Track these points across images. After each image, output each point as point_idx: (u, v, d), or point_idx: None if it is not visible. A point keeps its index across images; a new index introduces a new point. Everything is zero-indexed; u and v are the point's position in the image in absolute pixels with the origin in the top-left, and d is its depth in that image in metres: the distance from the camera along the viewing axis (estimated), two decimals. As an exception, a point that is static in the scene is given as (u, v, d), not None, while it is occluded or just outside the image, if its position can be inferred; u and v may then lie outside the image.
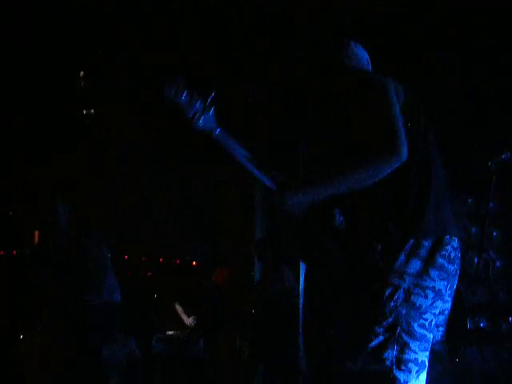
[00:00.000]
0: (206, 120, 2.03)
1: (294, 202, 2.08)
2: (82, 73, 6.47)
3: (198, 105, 2.01)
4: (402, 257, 2.01)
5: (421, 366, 2.02)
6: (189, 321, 6.02)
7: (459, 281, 2.18)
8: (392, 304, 1.98)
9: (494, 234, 5.62)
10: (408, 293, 1.99)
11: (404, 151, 1.97)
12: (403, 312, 1.99)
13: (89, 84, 6.25)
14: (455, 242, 2.11)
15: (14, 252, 6.52)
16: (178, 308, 6.10)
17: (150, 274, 7.54)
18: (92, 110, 6.68)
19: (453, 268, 2.10)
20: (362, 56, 2.32)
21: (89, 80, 6.20)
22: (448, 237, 2.08)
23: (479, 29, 4.68)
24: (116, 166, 7.01)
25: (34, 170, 6.83)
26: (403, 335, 1.99)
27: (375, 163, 1.99)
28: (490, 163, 3.71)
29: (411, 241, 2.02)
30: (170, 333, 5.98)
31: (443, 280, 2.06)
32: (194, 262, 7.40)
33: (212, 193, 7.28)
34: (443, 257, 2.05)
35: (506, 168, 3.72)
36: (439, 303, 2.07)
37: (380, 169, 1.99)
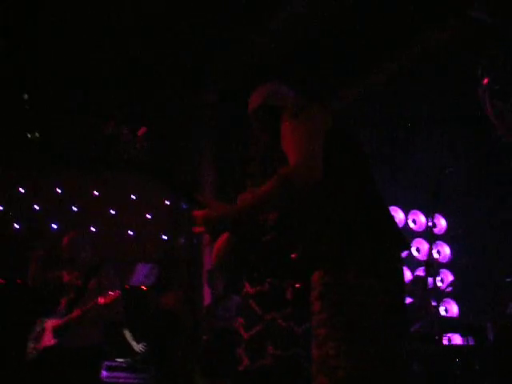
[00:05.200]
0: None
1: (216, 226, 2.09)
2: (26, 95, 6.35)
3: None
4: None
5: None
6: (138, 347, 5.91)
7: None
8: None
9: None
10: None
11: (315, 169, 1.99)
12: None
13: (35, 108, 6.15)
14: None
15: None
16: (127, 334, 5.97)
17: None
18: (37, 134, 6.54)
19: None
20: (286, 92, 2.61)
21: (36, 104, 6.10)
22: None
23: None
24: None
25: None
26: None
27: (286, 179, 1.99)
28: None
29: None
30: (120, 360, 5.86)
31: None
32: (144, 287, 7.31)
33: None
34: None
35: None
36: None
37: (291, 185, 1.98)
